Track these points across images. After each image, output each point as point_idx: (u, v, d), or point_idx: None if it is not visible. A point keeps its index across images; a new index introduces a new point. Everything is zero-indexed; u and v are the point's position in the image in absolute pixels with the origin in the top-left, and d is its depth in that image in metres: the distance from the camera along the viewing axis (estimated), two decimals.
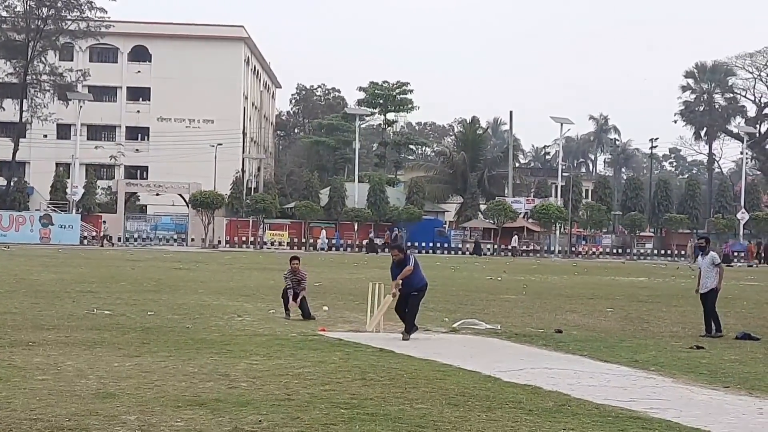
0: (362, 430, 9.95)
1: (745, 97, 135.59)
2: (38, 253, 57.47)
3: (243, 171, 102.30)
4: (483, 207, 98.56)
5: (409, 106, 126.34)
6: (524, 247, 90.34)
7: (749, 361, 16.94)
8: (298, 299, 21.65)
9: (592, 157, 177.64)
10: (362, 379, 13.27)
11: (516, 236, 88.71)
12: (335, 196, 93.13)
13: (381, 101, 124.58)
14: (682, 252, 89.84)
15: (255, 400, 11.51)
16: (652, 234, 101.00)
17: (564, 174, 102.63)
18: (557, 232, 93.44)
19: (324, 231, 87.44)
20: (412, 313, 18.96)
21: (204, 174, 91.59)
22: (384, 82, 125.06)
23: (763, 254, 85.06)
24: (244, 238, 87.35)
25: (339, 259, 63.48)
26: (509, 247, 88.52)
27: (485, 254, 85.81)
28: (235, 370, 13.82)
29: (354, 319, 21.78)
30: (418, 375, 13.85)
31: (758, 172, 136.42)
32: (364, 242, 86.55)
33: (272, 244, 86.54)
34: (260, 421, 10.25)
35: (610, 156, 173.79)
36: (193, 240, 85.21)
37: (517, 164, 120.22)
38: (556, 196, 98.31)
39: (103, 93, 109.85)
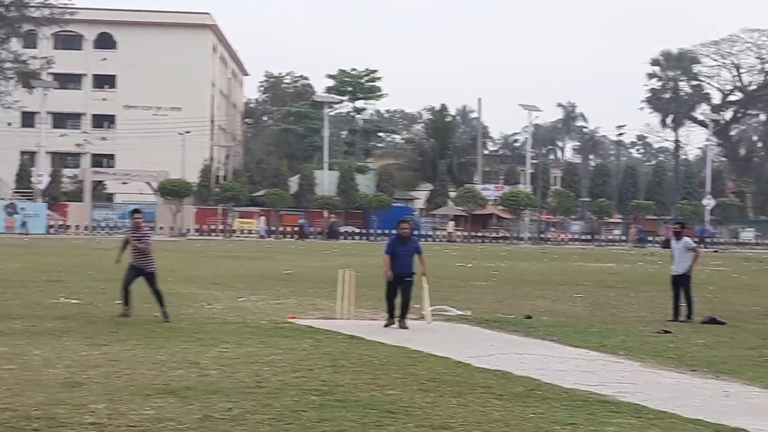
0: (333, 416, 9.96)
1: (710, 84, 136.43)
2: (4, 242, 57.05)
3: (211, 159, 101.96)
4: (453, 194, 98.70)
5: (378, 93, 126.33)
6: (494, 234, 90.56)
7: (715, 345, 17.09)
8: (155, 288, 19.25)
9: (561, 145, 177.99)
10: (333, 366, 13.28)
11: (451, 222, 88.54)
12: (305, 184, 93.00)
13: (350, 89, 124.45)
14: (625, 238, 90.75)
15: (225, 387, 11.49)
16: (620, 220, 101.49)
17: (533, 161, 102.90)
18: (526, 218, 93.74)
19: (263, 218, 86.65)
20: (409, 300, 18.59)
21: (172, 162, 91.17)
22: (353, 69, 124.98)
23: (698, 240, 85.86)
24: (213, 227, 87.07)
25: (308, 247, 63.41)
26: (478, 233, 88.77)
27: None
28: (205, 358, 13.79)
29: (324, 307, 21.77)
30: (389, 361, 13.88)
31: (723, 159, 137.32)
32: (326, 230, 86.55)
33: (242, 232, 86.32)
34: (230, 408, 10.24)
35: (578, 143, 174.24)
36: (161, 228, 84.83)
37: (486, 151, 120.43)
38: (525, 183, 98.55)
39: (68, 80, 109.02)
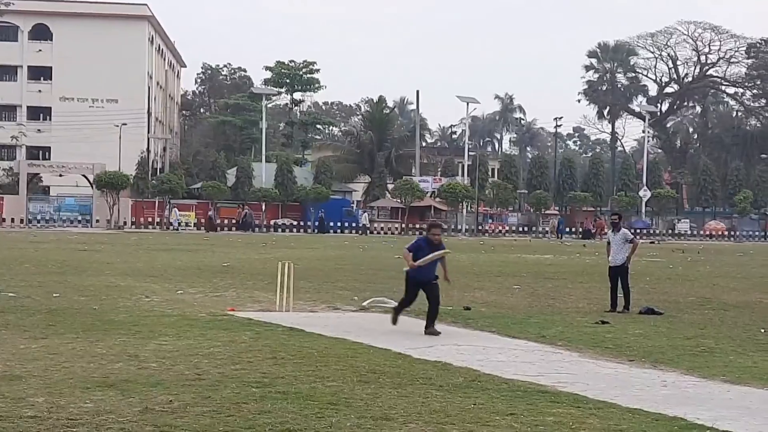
0: (274, 408, 9.93)
1: (646, 76, 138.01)
2: None
3: (148, 151, 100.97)
4: (390, 186, 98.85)
5: (316, 85, 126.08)
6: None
7: (653, 335, 17.28)
8: None
9: (498, 136, 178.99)
10: (273, 358, 13.25)
11: (366, 213, 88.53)
12: (242, 176, 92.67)
13: (287, 80, 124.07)
14: (546, 228, 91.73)
15: (165, 380, 11.42)
16: (557, 212, 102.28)
17: (470, 153, 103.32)
18: (464, 210, 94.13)
19: (176, 209, 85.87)
20: (437, 305, 17.35)
21: (108, 154, 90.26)
22: (291, 61, 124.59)
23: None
24: (150, 219, 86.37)
25: (246, 239, 63.14)
26: (416, 225, 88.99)
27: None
28: (144, 350, 13.69)
29: (263, 299, 21.69)
30: (329, 353, 13.87)
31: (659, 151, 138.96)
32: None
33: (179, 224, 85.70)
34: (171, 401, 10.17)
35: (515, 135, 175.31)
36: (98, 221, 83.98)
37: (423, 143, 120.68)
38: (462, 175, 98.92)
39: (3, 72, 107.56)
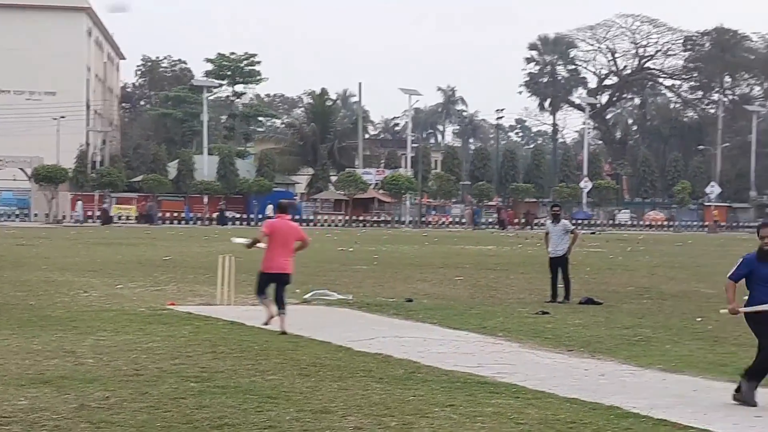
0: (212, 402, 9.90)
1: (586, 68, 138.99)
2: None
3: (87, 144, 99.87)
4: (334, 178, 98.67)
5: (258, 77, 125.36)
6: (375, 218, 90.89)
7: (592, 325, 17.43)
8: None
9: (441, 128, 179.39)
10: (213, 353, 13.19)
11: (272, 205, 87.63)
12: (184, 169, 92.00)
13: (229, 73, 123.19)
14: (462, 219, 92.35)
15: (102, 376, 11.33)
16: (500, 203, 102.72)
17: (413, 145, 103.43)
18: (407, 202, 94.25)
19: (80, 202, 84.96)
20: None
21: (46, 148, 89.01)
22: (232, 53, 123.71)
23: (524, 219, 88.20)
24: (89, 213, 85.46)
25: (188, 233, 62.75)
26: (360, 218, 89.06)
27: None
28: (81, 346, 13.56)
29: (204, 293, 21.58)
30: (270, 347, 13.84)
31: (600, 142, 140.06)
32: (215, 214, 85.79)
33: (119, 218, 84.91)
34: (107, 397, 10.10)
35: (458, 127, 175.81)
36: (36, 215, 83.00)
37: (366, 135, 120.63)
38: (405, 167, 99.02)
39: None
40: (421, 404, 10.08)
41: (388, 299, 21.15)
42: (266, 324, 15.72)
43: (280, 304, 15.71)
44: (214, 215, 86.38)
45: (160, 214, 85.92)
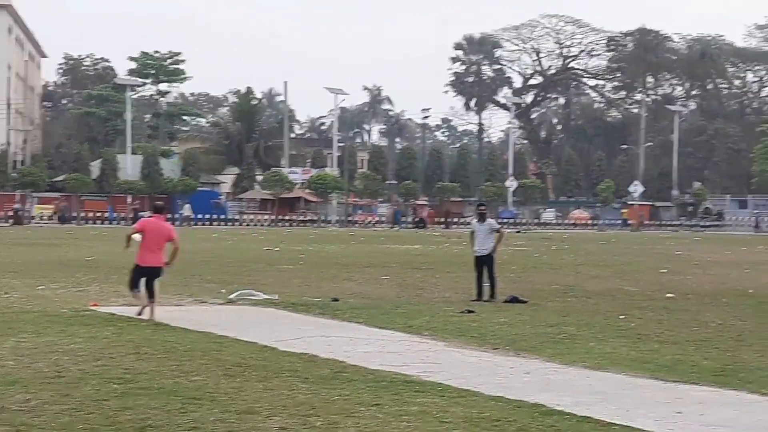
0: (135, 404, 9.78)
1: (511, 68, 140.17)
2: None
3: (8, 144, 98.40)
4: (259, 178, 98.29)
5: (182, 76, 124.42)
6: (301, 217, 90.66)
7: (517, 323, 17.53)
8: None
9: (367, 128, 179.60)
10: (136, 354, 13.05)
11: (188, 205, 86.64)
12: (107, 169, 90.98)
13: (152, 71, 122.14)
14: (383, 218, 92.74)
15: (23, 378, 11.15)
16: (426, 202, 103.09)
17: (339, 144, 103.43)
18: (334, 201, 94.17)
19: None
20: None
21: None
22: (155, 52, 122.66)
23: (444, 219, 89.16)
24: (10, 213, 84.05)
25: (112, 233, 62.01)
26: (286, 217, 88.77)
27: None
28: (1, 348, 13.33)
29: (127, 294, 21.22)
30: (194, 347, 13.73)
31: (525, 141, 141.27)
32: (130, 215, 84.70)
33: (41, 218, 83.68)
34: (28, 399, 9.95)
35: (384, 126, 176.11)
36: None
37: (292, 135, 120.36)
38: (332, 166, 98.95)
39: None
40: (346, 404, 10.07)
41: (314, 299, 21.09)
42: (139, 314, 17.02)
43: (151, 294, 17.10)
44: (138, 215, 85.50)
45: (83, 214, 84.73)
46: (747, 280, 28.69)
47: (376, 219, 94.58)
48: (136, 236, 17.36)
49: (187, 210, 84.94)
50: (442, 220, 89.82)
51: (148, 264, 17.24)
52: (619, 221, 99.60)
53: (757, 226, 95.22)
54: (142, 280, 17.26)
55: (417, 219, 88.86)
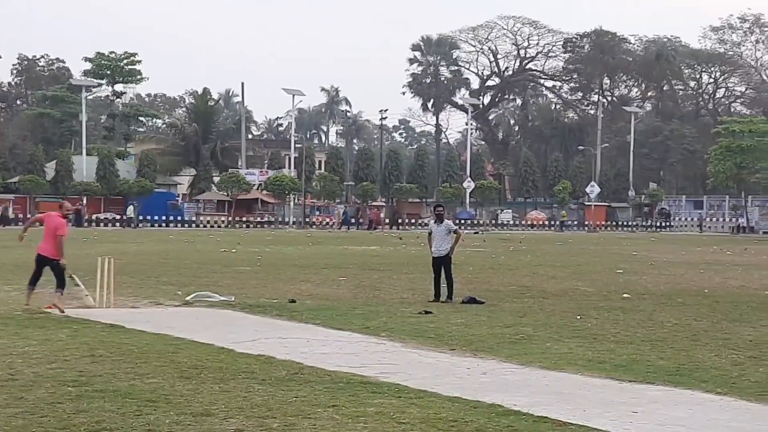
0: (90, 407, 9.69)
1: (468, 69, 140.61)
2: None
3: None
4: (216, 179, 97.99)
5: (138, 77, 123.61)
6: (259, 219, 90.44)
7: (474, 323, 17.55)
8: None
9: (325, 129, 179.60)
10: (91, 356, 12.93)
11: (132, 206, 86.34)
12: (62, 170, 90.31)
13: (108, 72, 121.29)
14: (333, 221, 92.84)
15: None
16: (383, 203, 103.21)
17: (297, 145, 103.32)
18: (291, 203, 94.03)
19: None
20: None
21: None
22: (111, 52, 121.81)
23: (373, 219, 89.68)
24: None
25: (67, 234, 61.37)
26: (243, 219, 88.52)
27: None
28: None
29: (81, 296, 21.10)
30: (150, 349, 13.62)
31: (482, 142, 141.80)
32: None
33: None
34: None
35: (342, 127, 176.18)
36: None
37: (250, 136, 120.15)
38: (289, 168, 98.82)
39: None
40: (303, 405, 10.03)
41: (271, 300, 21.02)
42: (27, 305, 18.40)
43: (58, 284, 18.50)
44: (94, 216, 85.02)
45: (104, 216, 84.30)
46: (702, 280, 28.94)
47: (335, 220, 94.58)
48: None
49: (130, 211, 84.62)
50: (391, 221, 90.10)
51: (41, 252, 18.93)
52: (576, 221, 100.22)
53: (701, 227, 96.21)
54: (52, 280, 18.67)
55: (368, 220, 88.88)
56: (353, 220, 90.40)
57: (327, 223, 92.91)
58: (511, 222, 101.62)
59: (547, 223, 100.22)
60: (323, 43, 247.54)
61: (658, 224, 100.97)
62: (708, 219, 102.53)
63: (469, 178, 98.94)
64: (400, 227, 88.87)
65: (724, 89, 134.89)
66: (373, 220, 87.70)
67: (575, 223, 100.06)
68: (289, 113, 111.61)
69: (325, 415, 9.59)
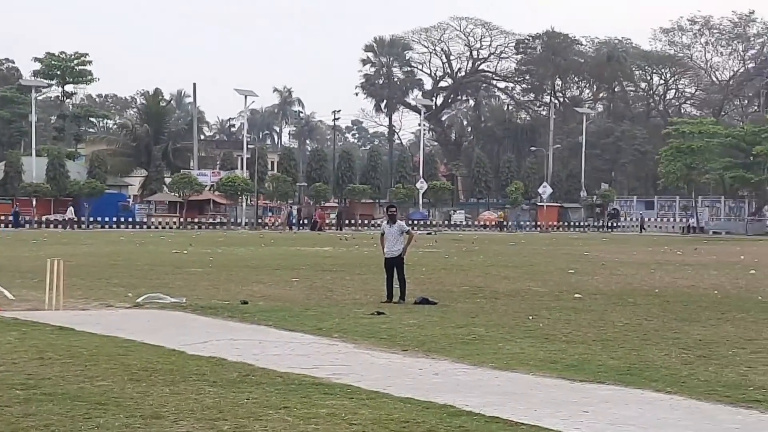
0: (39, 410, 9.59)
1: (421, 70, 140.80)
2: None
3: None
4: (168, 180, 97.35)
5: (89, 77, 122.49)
6: (211, 220, 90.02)
7: (426, 324, 17.57)
8: None
9: (277, 129, 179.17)
10: (40, 359, 12.80)
11: (71, 207, 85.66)
12: (11, 171, 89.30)
13: (58, 72, 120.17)
14: (279, 220, 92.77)
15: None
16: (336, 204, 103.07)
17: (249, 146, 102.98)
18: (244, 204, 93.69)
19: None
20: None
21: None
22: (61, 53, 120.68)
23: (336, 220, 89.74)
24: None
25: (16, 236, 60.94)
26: (195, 220, 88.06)
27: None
28: None
29: (32, 298, 20.91)
30: (100, 352, 13.52)
31: (435, 143, 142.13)
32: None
33: None
34: None
35: (294, 128, 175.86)
36: None
37: (202, 137, 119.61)
38: (242, 168, 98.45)
39: None
40: (255, 407, 9.99)
41: (223, 302, 20.92)
42: None
43: None
44: (44, 218, 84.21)
45: (54, 217, 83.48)
46: (653, 280, 29.17)
47: (279, 220, 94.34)
48: None
49: (69, 212, 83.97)
50: (337, 222, 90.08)
51: None
52: (528, 222, 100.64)
53: (642, 227, 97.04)
54: None
55: (312, 221, 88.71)
56: (302, 221, 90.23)
57: (273, 224, 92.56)
58: (464, 222, 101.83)
59: (498, 224, 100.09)
60: (276, 44, 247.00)
61: (608, 224, 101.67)
62: (653, 219, 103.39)
63: (422, 179, 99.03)
64: (352, 227, 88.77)
65: (674, 90, 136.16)
66: (318, 221, 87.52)
67: (528, 223, 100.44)
68: (242, 114, 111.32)
69: (276, 417, 9.56)
